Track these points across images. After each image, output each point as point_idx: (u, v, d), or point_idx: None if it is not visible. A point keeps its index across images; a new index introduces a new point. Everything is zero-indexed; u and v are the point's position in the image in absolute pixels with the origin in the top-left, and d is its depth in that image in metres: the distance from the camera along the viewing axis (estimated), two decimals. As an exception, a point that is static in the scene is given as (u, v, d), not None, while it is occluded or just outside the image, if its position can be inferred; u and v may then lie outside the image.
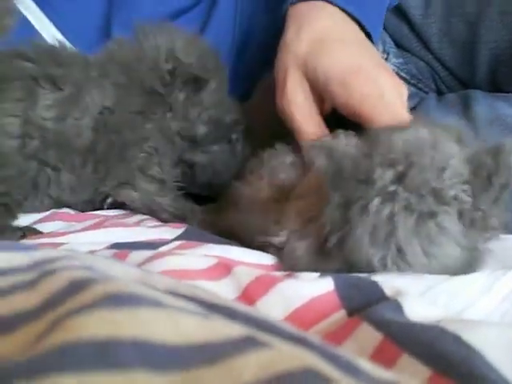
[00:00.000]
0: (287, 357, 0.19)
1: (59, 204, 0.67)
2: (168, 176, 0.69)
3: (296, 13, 0.61)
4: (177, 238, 0.53)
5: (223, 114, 0.72)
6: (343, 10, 0.60)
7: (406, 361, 0.28)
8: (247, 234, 0.55)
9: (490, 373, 0.26)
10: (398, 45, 0.91)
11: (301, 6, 0.61)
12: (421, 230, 0.42)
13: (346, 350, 0.22)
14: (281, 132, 0.63)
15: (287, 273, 0.44)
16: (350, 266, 0.44)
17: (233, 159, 0.73)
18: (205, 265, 0.42)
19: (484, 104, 0.77)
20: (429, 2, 0.87)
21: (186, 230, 0.57)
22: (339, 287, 0.38)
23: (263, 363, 0.18)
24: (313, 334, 0.23)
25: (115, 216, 0.66)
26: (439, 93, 0.91)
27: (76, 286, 0.22)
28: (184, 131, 0.69)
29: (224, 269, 0.42)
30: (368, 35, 0.62)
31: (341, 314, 0.37)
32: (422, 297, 0.39)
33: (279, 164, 0.59)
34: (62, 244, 0.52)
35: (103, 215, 0.66)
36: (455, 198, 0.43)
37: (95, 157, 0.65)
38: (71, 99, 0.64)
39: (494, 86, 0.84)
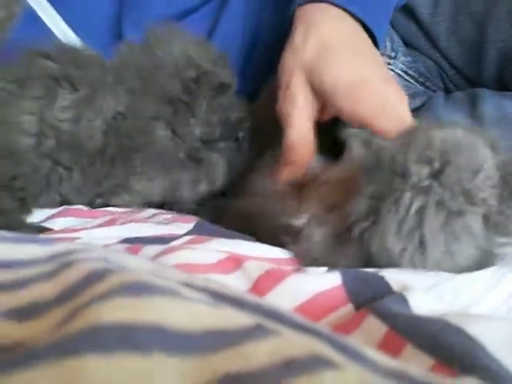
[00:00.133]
0: (295, 344, 0.20)
1: (67, 203, 0.68)
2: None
3: (303, 15, 0.62)
4: (187, 233, 0.54)
5: (230, 113, 0.73)
6: (348, 11, 0.60)
7: (410, 351, 0.29)
8: (265, 219, 0.56)
9: (491, 363, 0.27)
10: (407, 43, 0.92)
11: (308, 8, 0.62)
12: (448, 226, 0.44)
13: (353, 340, 0.23)
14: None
15: (296, 267, 0.45)
16: (366, 258, 0.45)
17: (239, 157, 0.74)
18: (215, 259, 0.43)
19: (491, 103, 0.78)
20: (437, 1, 0.87)
21: (196, 225, 0.58)
22: (347, 282, 0.39)
23: (272, 349, 0.19)
24: (321, 324, 0.24)
25: (126, 212, 0.67)
26: (447, 91, 0.91)
27: (94, 277, 0.23)
28: (206, 135, 0.70)
29: (234, 263, 0.43)
30: (372, 35, 0.62)
31: (348, 308, 0.37)
32: (428, 292, 0.40)
33: None
34: (76, 239, 0.53)
35: (114, 212, 0.67)
36: (483, 200, 0.44)
37: (102, 159, 0.66)
38: (86, 100, 0.64)
39: (502, 85, 0.85)
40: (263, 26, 0.87)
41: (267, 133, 0.69)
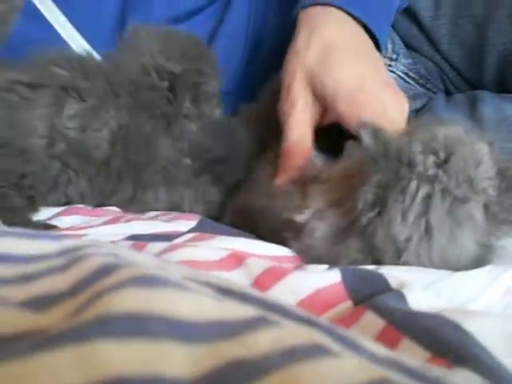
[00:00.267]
0: (296, 334, 0.21)
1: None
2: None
3: (306, 17, 0.63)
4: (190, 231, 0.55)
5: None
6: (351, 14, 0.61)
7: (407, 344, 0.30)
8: (267, 216, 0.57)
9: (483, 356, 0.28)
10: (408, 45, 0.93)
11: (311, 11, 0.63)
12: (453, 212, 0.46)
13: (351, 331, 0.24)
14: None
15: (297, 265, 0.46)
16: (370, 251, 0.47)
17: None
18: (218, 256, 0.44)
19: (491, 105, 0.79)
20: (438, 4, 0.88)
21: (199, 222, 0.59)
22: (346, 279, 0.40)
23: (274, 339, 0.20)
24: (320, 318, 0.25)
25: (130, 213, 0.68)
26: (447, 93, 0.92)
27: (104, 270, 0.24)
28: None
29: (236, 260, 0.44)
30: (374, 38, 0.63)
31: (347, 304, 0.39)
32: (427, 290, 0.41)
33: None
34: (83, 236, 0.54)
35: (119, 211, 0.68)
36: (484, 190, 0.47)
37: (109, 173, 0.67)
38: (93, 111, 0.66)
39: (502, 87, 0.86)
40: (267, 27, 0.88)
41: (270, 131, 0.70)
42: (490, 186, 0.47)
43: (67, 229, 0.59)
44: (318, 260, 0.48)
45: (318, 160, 0.61)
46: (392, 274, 0.42)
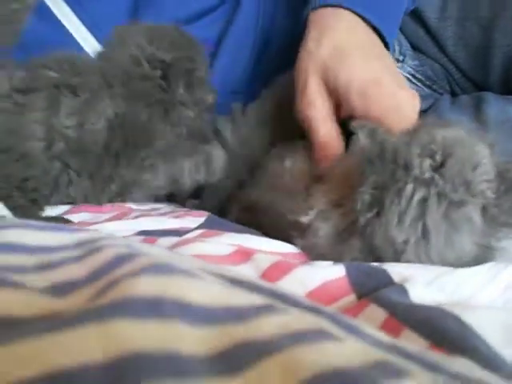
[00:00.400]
0: (301, 320, 0.22)
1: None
2: None
3: (317, 18, 0.64)
4: (199, 227, 0.56)
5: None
6: (361, 17, 0.62)
7: (408, 334, 0.31)
8: (273, 214, 0.58)
9: (481, 346, 0.29)
10: (415, 47, 0.94)
11: (321, 12, 0.64)
12: (449, 216, 0.46)
13: (354, 319, 0.25)
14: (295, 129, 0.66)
15: (303, 260, 0.48)
16: (370, 251, 0.48)
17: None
18: (226, 251, 0.45)
19: (495, 106, 0.80)
20: (445, 6, 0.89)
21: (207, 219, 0.60)
22: (350, 274, 0.42)
23: (281, 323, 0.21)
24: (325, 307, 0.26)
25: (138, 209, 0.70)
26: (453, 94, 0.93)
27: (119, 260, 0.25)
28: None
29: (244, 255, 0.45)
30: (384, 40, 0.64)
31: (351, 297, 0.40)
32: (429, 285, 0.42)
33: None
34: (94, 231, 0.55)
35: (128, 207, 0.70)
36: (482, 192, 0.47)
37: (108, 159, 0.68)
38: (88, 103, 0.67)
39: (507, 89, 0.87)
40: (275, 27, 0.89)
41: (279, 129, 0.71)
42: (488, 189, 0.47)
43: (77, 224, 0.60)
44: (323, 258, 0.49)
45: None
46: (395, 269, 0.43)
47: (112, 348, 0.18)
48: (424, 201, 0.46)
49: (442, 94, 0.94)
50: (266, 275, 0.42)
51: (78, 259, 0.27)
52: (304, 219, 0.53)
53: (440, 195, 0.46)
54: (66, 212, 0.67)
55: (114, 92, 0.68)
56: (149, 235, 0.52)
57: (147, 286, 0.21)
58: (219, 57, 0.88)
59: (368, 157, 0.48)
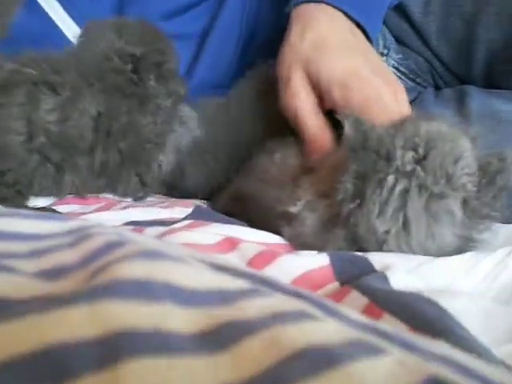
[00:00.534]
0: (284, 303, 0.23)
1: None
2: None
3: (300, 13, 0.65)
4: (186, 217, 0.57)
5: None
6: (344, 12, 0.64)
7: (387, 319, 0.33)
8: (262, 204, 0.59)
9: (459, 330, 0.30)
10: (399, 41, 0.95)
11: (304, 7, 0.65)
12: (430, 208, 0.47)
13: (332, 302, 0.26)
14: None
15: (288, 250, 0.49)
16: (354, 240, 0.49)
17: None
18: (213, 240, 0.47)
19: (478, 100, 0.81)
20: (428, 1, 0.90)
21: (194, 210, 0.61)
22: (334, 262, 0.43)
23: (264, 305, 0.22)
24: (308, 291, 0.27)
25: (125, 200, 0.71)
26: (437, 87, 0.94)
27: (110, 246, 0.26)
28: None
29: (230, 244, 0.46)
30: (367, 34, 0.66)
31: (334, 285, 0.41)
32: (410, 273, 0.44)
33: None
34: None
35: (112, 198, 0.70)
36: (463, 185, 0.48)
37: (93, 158, 0.69)
38: (70, 102, 0.67)
39: (490, 82, 0.88)
40: (260, 22, 0.90)
41: (267, 120, 0.72)
42: (469, 182, 0.48)
43: (67, 215, 0.61)
44: (308, 246, 0.50)
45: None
46: (376, 258, 0.44)
47: (103, 325, 0.19)
48: (405, 192, 0.47)
49: (425, 87, 0.95)
50: (251, 263, 0.43)
51: (70, 246, 0.28)
52: (292, 209, 0.54)
53: (421, 187, 0.47)
54: (51, 204, 0.68)
55: (94, 89, 0.69)
56: (137, 225, 0.53)
57: (136, 270, 0.22)
58: (204, 51, 0.89)
59: (351, 145, 0.49)
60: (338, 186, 0.49)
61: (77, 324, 0.19)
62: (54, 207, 0.66)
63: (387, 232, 0.48)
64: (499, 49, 0.86)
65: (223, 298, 0.22)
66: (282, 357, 0.19)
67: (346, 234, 0.49)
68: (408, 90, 0.91)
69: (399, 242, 0.48)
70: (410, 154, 0.48)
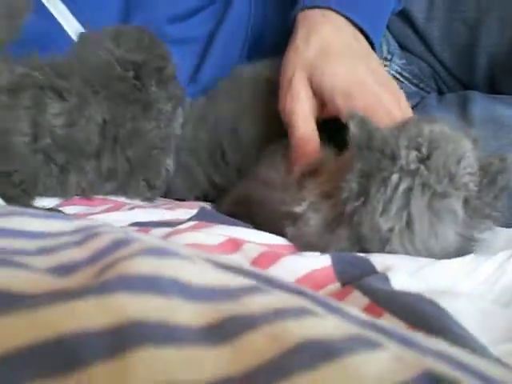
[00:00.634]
0: (286, 299, 0.24)
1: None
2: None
3: (305, 18, 0.66)
4: (191, 219, 0.58)
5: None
6: (348, 18, 0.64)
7: (388, 318, 0.33)
8: (267, 207, 0.60)
9: (458, 329, 0.31)
10: (402, 46, 0.95)
11: (309, 13, 0.66)
12: (433, 206, 0.48)
13: (333, 299, 0.27)
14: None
15: (292, 251, 0.50)
16: (357, 239, 0.50)
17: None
18: (217, 241, 0.47)
19: (481, 105, 0.82)
20: (431, 7, 0.91)
21: (199, 212, 0.62)
22: (335, 263, 0.44)
23: (266, 302, 0.23)
24: (309, 289, 0.28)
25: (131, 202, 0.71)
26: (440, 92, 0.95)
27: (117, 244, 0.27)
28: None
29: (234, 245, 0.47)
30: (370, 40, 0.66)
31: (336, 285, 0.42)
32: (411, 275, 0.44)
33: None
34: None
35: (121, 201, 0.71)
36: (465, 185, 0.49)
37: (100, 164, 0.70)
38: (76, 109, 0.68)
39: (492, 87, 0.89)
40: (266, 26, 0.90)
41: (269, 124, 0.73)
42: (470, 181, 0.49)
43: (74, 216, 0.62)
44: (311, 246, 0.51)
45: (321, 153, 0.63)
46: (378, 259, 0.45)
47: (113, 316, 0.20)
48: (409, 190, 0.48)
49: (428, 92, 0.95)
50: (255, 264, 0.44)
51: (78, 244, 0.29)
52: (297, 209, 0.55)
53: (424, 186, 0.48)
54: (58, 205, 0.68)
55: (99, 97, 0.69)
56: (142, 226, 0.54)
57: (144, 266, 0.23)
58: (210, 55, 0.89)
59: (357, 144, 0.50)
60: (343, 184, 0.50)
61: (88, 315, 0.20)
62: (61, 208, 0.67)
63: (391, 230, 0.48)
64: (502, 54, 0.87)
65: (228, 294, 0.23)
66: (282, 350, 0.19)
67: (349, 233, 0.50)
68: (411, 95, 0.92)
69: (403, 240, 0.48)
70: (413, 154, 0.49)
